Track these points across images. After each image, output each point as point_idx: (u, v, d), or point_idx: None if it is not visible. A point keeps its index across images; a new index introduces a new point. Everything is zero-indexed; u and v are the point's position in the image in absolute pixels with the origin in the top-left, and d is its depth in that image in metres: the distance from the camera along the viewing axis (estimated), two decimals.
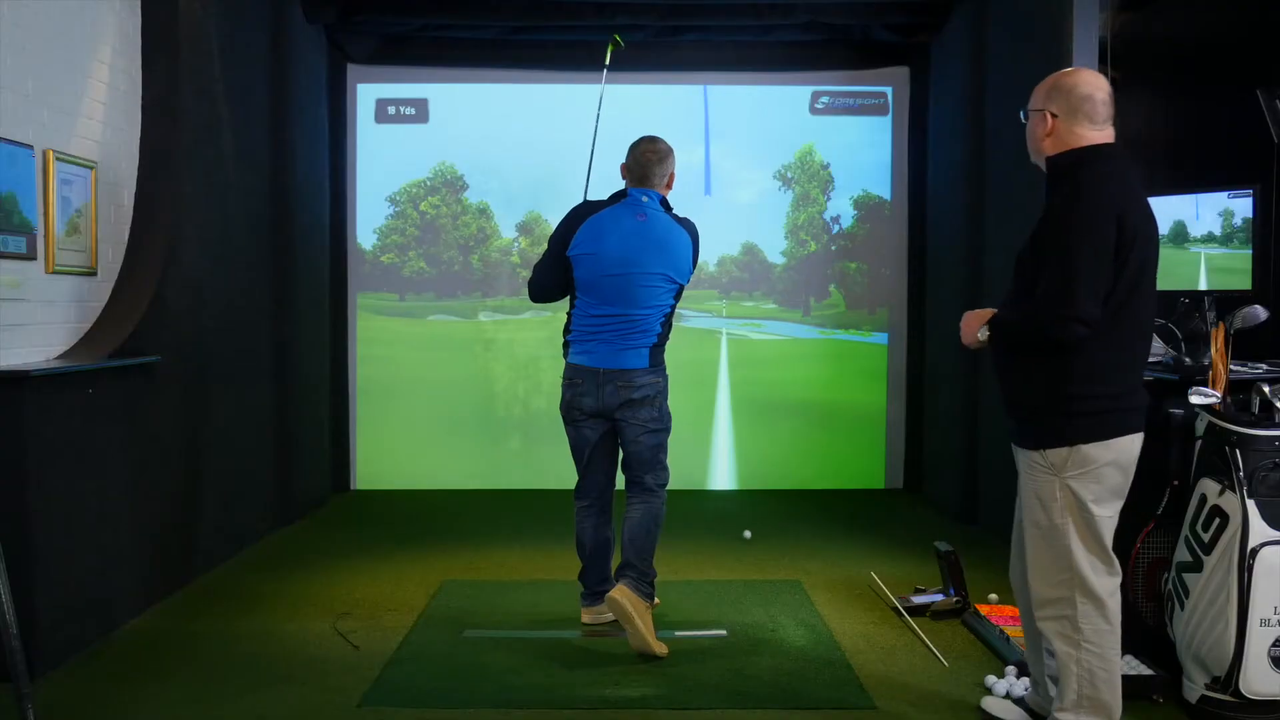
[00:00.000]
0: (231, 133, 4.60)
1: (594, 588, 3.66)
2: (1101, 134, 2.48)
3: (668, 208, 3.58)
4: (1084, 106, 2.45)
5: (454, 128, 6.22)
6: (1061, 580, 2.47)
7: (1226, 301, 3.07)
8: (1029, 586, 2.57)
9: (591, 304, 3.49)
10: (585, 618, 3.67)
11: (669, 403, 3.60)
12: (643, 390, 3.47)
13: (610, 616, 3.48)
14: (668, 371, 3.58)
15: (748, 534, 3.90)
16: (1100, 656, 2.45)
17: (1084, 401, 2.41)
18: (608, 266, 3.44)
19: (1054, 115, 2.48)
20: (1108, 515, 2.47)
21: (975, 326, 2.56)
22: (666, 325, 3.55)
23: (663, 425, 3.57)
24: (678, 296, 3.56)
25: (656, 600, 3.67)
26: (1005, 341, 2.52)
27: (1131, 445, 2.46)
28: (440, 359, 6.26)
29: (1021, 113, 2.61)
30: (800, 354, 6.29)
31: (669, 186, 3.60)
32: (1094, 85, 2.49)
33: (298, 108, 5.42)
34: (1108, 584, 2.48)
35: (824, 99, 6.26)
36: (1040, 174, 2.60)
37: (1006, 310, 2.53)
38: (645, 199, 3.51)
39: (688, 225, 3.56)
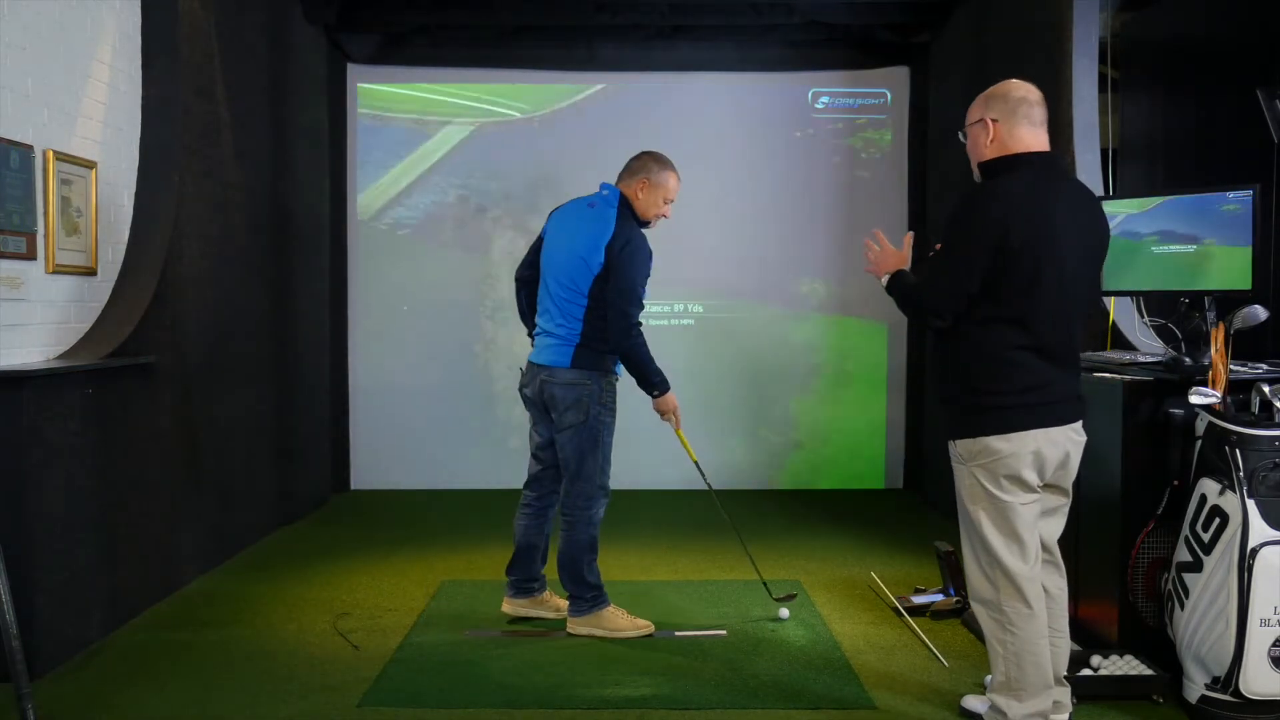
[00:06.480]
0: (231, 133, 4.60)
1: (514, 581, 3.68)
2: (1038, 138, 2.56)
3: (625, 207, 3.46)
4: (1021, 108, 2.54)
5: (454, 127, 6.22)
6: (985, 569, 2.57)
7: (1226, 302, 3.07)
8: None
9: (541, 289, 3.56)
10: (505, 607, 3.69)
11: (614, 414, 3.46)
12: (566, 390, 3.40)
13: (525, 612, 3.67)
14: (610, 381, 3.45)
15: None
16: (1025, 640, 2.52)
17: (990, 396, 2.50)
18: (549, 251, 3.53)
19: (994, 120, 2.55)
20: (1018, 502, 2.51)
21: (889, 266, 2.71)
22: (593, 322, 3.38)
23: (588, 434, 3.42)
24: (598, 290, 3.36)
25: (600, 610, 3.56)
26: (892, 294, 2.70)
27: (1037, 440, 2.49)
28: (440, 359, 6.26)
29: (960, 134, 2.68)
30: (800, 353, 6.29)
31: (639, 198, 3.48)
32: (1027, 89, 2.57)
33: (298, 108, 5.42)
34: (1024, 569, 2.53)
35: (824, 99, 6.27)
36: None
37: (912, 274, 2.70)
38: (605, 192, 3.53)
39: (625, 226, 3.40)
